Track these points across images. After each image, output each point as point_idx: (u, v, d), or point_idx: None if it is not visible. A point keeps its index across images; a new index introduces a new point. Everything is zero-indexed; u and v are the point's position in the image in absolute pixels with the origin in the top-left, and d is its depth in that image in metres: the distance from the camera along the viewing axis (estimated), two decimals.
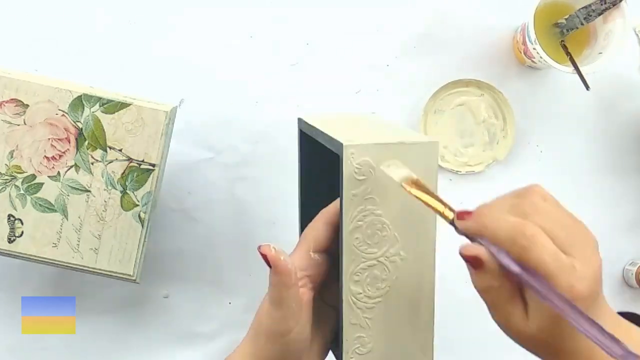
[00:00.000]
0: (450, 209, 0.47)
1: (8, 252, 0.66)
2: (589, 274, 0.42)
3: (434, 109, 0.77)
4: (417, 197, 0.49)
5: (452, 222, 0.47)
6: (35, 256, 0.66)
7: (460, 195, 0.77)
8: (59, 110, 0.65)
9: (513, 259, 0.43)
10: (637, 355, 0.39)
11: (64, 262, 0.67)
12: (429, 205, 0.48)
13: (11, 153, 0.65)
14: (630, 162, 0.79)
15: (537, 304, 0.43)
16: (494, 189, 0.79)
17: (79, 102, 0.65)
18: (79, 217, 0.66)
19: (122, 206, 0.66)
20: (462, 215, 0.46)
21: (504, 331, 0.46)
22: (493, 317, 0.46)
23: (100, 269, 0.67)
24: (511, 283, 0.44)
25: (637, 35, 0.79)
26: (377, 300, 0.54)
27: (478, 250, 0.44)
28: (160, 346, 0.77)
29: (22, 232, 0.66)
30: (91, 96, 0.65)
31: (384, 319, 0.54)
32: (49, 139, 0.65)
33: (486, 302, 0.46)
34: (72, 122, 0.65)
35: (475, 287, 0.46)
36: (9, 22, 0.76)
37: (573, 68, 0.69)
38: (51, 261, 0.67)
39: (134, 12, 0.77)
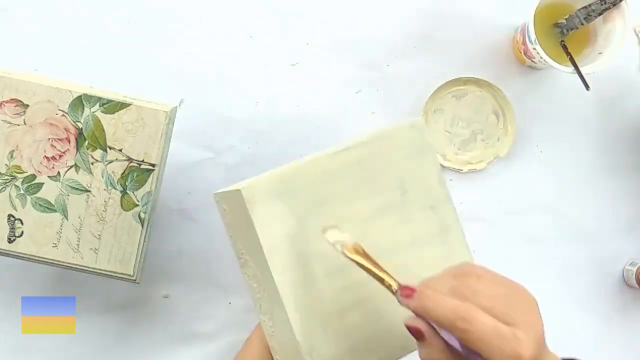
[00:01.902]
0: (394, 279, 0.49)
1: (8, 252, 0.66)
2: (532, 338, 0.45)
3: (434, 109, 0.77)
4: (359, 265, 0.50)
5: (394, 292, 0.49)
6: (35, 256, 0.66)
7: (463, 194, 0.77)
8: (59, 110, 0.65)
9: (457, 339, 0.46)
10: None
11: (64, 262, 0.67)
12: (372, 274, 0.50)
13: (11, 153, 0.65)
14: (630, 162, 0.79)
15: None
16: (495, 187, 0.79)
17: (79, 102, 0.65)
18: (79, 217, 0.66)
19: (122, 206, 0.66)
20: (405, 292, 0.48)
21: None
22: None
23: (100, 269, 0.67)
24: (454, 355, 0.47)
25: (637, 35, 0.79)
26: (272, 329, 0.58)
27: (420, 324, 0.47)
28: (160, 346, 0.77)
29: (22, 232, 0.66)
30: (91, 96, 0.65)
31: (281, 346, 0.57)
32: (49, 139, 0.65)
33: None
34: (72, 122, 0.65)
35: (421, 358, 0.48)
36: (9, 22, 0.76)
37: (573, 68, 0.69)
38: (51, 261, 0.67)
39: (134, 12, 0.77)
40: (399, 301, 0.48)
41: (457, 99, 0.77)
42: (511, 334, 0.45)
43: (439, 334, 0.47)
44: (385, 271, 0.50)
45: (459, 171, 0.77)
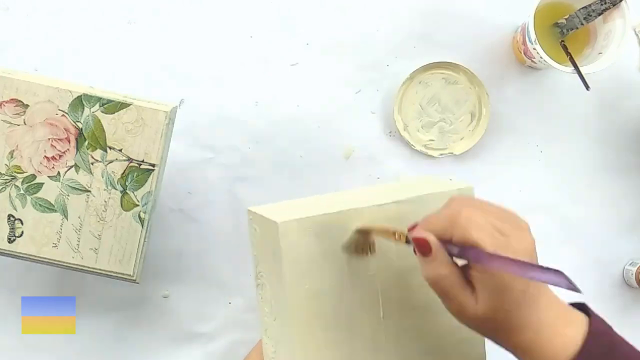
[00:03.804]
0: (401, 232, 0.52)
1: (8, 252, 0.66)
2: (522, 249, 0.48)
3: (420, 80, 0.76)
4: (371, 231, 0.54)
5: (406, 240, 0.51)
6: (35, 256, 0.66)
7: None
8: (59, 110, 0.65)
9: (457, 245, 0.49)
10: (567, 279, 0.43)
11: (64, 262, 0.67)
12: (387, 235, 0.52)
13: (11, 153, 0.65)
14: (630, 162, 0.79)
15: (483, 284, 0.48)
16: (496, 187, 0.80)
17: (79, 102, 0.65)
18: (79, 217, 0.66)
19: (122, 206, 0.66)
20: (411, 227, 0.52)
21: (458, 318, 0.51)
22: (446, 306, 0.51)
23: (100, 269, 0.67)
24: (458, 271, 0.50)
25: (637, 35, 0.79)
26: (273, 356, 0.58)
27: (426, 234, 0.50)
28: (160, 346, 0.77)
29: (22, 232, 0.66)
30: (91, 96, 0.65)
31: None
32: (49, 139, 0.65)
33: (438, 293, 0.51)
34: (72, 122, 0.65)
35: (427, 278, 0.51)
36: (9, 22, 0.76)
37: (573, 68, 0.69)
38: (51, 261, 0.67)
39: (134, 12, 0.77)
40: (413, 247, 0.51)
41: (446, 82, 0.77)
42: (504, 241, 0.48)
43: (444, 248, 0.49)
44: (391, 229, 0.52)
45: (411, 146, 0.77)
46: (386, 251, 0.57)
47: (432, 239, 0.49)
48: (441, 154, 0.77)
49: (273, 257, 0.55)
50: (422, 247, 0.50)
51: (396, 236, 0.52)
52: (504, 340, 0.51)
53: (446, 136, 0.77)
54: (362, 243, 0.56)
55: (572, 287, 0.43)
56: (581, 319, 0.51)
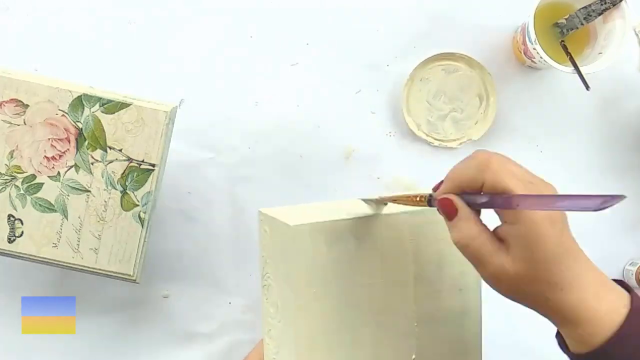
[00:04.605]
0: (422, 194, 0.50)
1: (8, 252, 0.66)
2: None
3: (421, 77, 0.77)
4: (396, 200, 0.53)
5: (429, 201, 0.49)
6: (35, 256, 0.66)
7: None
8: (59, 110, 0.65)
9: (487, 192, 0.45)
10: (615, 196, 0.39)
11: (64, 262, 0.67)
12: (408, 201, 0.52)
13: (11, 153, 0.65)
14: (630, 162, 0.79)
15: (516, 239, 0.45)
16: None
17: (79, 102, 0.65)
18: (79, 217, 0.66)
19: (122, 206, 0.66)
20: (435, 187, 0.49)
21: (494, 283, 0.47)
22: (481, 273, 0.47)
23: (100, 269, 0.67)
24: (488, 230, 0.47)
25: (637, 35, 0.79)
26: (275, 356, 0.58)
27: (450, 196, 0.46)
28: (160, 346, 0.77)
29: (22, 232, 0.66)
30: (91, 96, 0.65)
31: None
32: (49, 139, 0.65)
33: (470, 257, 0.47)
34: (72, 122, 0.65)
35: (456, 241, 0.47)
36: (9, 22, 0.76)
37: (573, 68, 0.69)
38: (51, 261, 0.67)
39: (134, 12, 0.77)
40: (436, 206, 0.48)
41: (446, 73, 0.77)
42: (536, 189, 0.46)
43: (470, 207, 0.46)
44: (413, 195, 0.51)
45: (429, 144, 0.77)
46: (384, 260, 0.58)
47: (455, 199, 0.46)
48: (460, 143, 0.77)
49: (283, 260, 0.55)
50: (447, 209, 0.47)
51: (418, 199, 0.50)
52: (544, 302, 0.46)
53: (460, 124, 0.77)
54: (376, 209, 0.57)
55: (609, 203, 0.39)
56: (620, 289, 0.48)
